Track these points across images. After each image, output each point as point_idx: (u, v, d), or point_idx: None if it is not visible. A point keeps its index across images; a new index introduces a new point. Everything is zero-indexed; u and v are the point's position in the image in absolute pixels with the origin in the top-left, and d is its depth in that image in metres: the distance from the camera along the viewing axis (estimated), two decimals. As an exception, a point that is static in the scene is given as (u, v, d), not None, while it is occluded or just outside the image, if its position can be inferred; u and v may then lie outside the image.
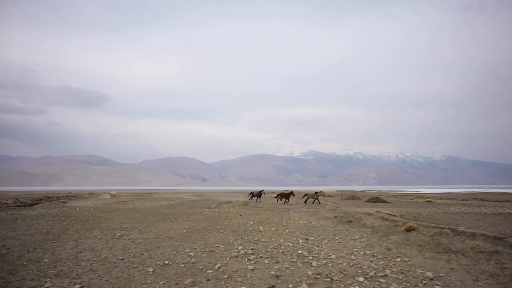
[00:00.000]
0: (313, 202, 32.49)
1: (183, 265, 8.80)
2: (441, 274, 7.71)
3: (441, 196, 52.01)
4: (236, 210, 25.42)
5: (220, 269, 8.39)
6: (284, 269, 8.39)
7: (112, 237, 12.78)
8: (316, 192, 33.43)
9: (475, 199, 42.78)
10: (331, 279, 7.49)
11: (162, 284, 7.36)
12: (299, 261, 9.15)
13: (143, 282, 7.45)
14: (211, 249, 10.72)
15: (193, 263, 9.03)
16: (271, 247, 10.97)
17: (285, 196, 33.53)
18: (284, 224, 16.38)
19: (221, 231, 14.32)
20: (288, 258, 9.52)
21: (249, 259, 9.31)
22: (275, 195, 36.72)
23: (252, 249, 10.60)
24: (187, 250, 10.51)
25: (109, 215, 21.02)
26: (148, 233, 13.88)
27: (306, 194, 34.05)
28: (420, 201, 38.67)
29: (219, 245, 11.24)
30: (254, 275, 7.93)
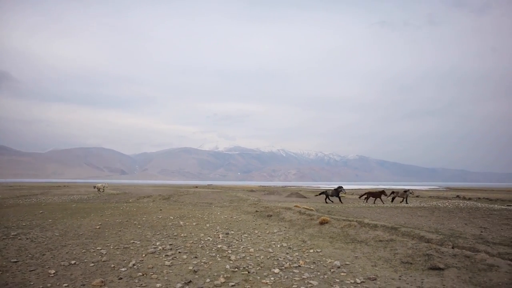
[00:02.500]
0: (401, 202, 28.83)
1: (92, 264, 8.07)
2: (347, 262, 8.47)
3: (352, 192, 57.28)
4: (156, 204, 24.38)
5: (135, 267, 7.92)
6: (202, 263, 8.28)
7: (5, 237, 10.91)
8: (405, 191, 30.03)
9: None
10: (248, 272, 7.64)
11: (66, 286, 6.62)
12: (218, 255, 9.14)
13: (41, 287, 6.59)
14: (126, 245, 10.05)
15: (104, 261, 8.34)
16: (191, 242, 10.76)
17: (375, 195, 28.82)
18: (206, 218, 16.25)
19: (139, 226, 13.56)
20: (207, 252, 9.44)
21: (167, 255, 8.98)
22: (361, 195, 31.69)
23: (170, 244, 10.25)
24: (98, 248, 9.67)
25: (2, 212, 18.19)
26: (53, 230, 12.37)
27: (393, 192, 30.74)
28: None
29: (135, 241, 10.61)
30: (171, 271, 7.67)
